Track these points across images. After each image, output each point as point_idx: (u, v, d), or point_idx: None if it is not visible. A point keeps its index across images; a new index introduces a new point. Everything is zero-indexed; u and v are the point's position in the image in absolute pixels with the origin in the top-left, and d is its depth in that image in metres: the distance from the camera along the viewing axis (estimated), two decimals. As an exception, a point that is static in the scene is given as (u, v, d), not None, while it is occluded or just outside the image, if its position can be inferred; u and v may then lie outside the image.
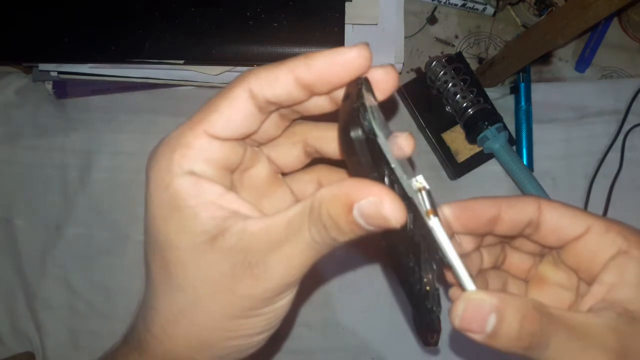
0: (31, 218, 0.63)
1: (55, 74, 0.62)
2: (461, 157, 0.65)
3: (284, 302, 0.25)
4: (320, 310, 0.62)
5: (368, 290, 0.62)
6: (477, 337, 0.24)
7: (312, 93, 0.25)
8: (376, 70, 0.26)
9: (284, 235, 0.23)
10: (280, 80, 0.24)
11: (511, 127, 0.66)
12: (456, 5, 0.70)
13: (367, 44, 0.24)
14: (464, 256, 0.30)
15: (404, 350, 0.61)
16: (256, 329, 0.25)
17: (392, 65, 0.26)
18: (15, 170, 0.64)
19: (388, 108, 0.68)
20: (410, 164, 0.27)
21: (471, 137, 0.63)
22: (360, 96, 0.24)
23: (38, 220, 0.63)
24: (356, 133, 0.22)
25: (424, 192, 0.26)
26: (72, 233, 0.62)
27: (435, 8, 0.70)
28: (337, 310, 0.62)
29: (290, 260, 0.23)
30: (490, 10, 0.69)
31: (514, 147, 0.65)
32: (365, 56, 0.24)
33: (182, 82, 0.64)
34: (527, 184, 0.62)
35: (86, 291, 0.61)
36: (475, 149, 0.65)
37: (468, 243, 0.32)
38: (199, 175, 0.24)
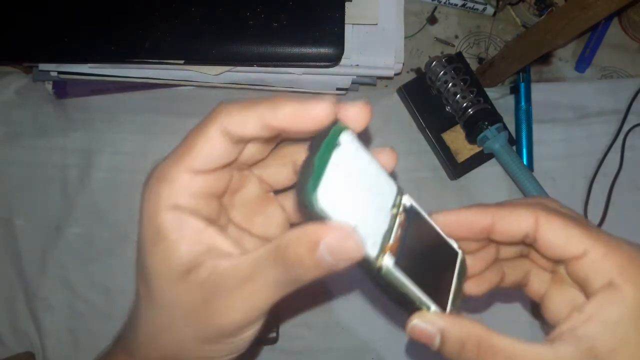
0: (31, 218, 0.63)
1: (55, 74, 0.62)
2: (461, 157, 0.65)
3: (249, 334, 0.27)
4: (320, 310, 0.62)
5: (368, 291, 0.62)
6: (429, 346, 0.28)
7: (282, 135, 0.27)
8: (349, 109, 0.26)
9: (250, 275, 0.24)
10: (249, 124, 0.25)
11: (511, 127, 0.66)
12: (456, 5, 0.70)
13: (334, 100, 0.25)
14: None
15: (404, 350, 0.61)
16: (223, 352, 0.27)
17: (366, 103, 0.26)
18: (15, 170, 0.64)
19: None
20: (393, 178, 0.28)
21: (471, 137, 0.63)
22: (313, 153, 0.24)
23: (38, 220, 0.63)
24: (302, 200, 0.23)
25: (396, 222, 0.26)
26: (72, 233, 0.62)
27: (435, 8, 0.70)
28: (337, 311, 0.62)
29: (253, 299, 0.25)
30: (490, 10, 0.69)
31: (514, 147, 0.65)
32: (329, 114, 0.24)
33: (182, 82, 0.64)
34: (527, 184, 0.62)
35: (86, 291, 0.61)
36: (475, 149, 0.65)
37: (468, 245, 0.32)
38: (183, 208, 0.26)
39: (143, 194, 0.26)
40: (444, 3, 0.69)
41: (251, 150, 0.28)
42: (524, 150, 0.65)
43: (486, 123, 0.61)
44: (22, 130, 0.64)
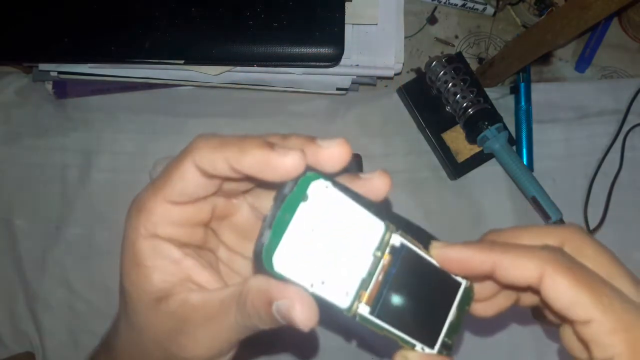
0: (31, 218, 0.63)
1: (55, 74, 0.62)
2: (461, 157, 0.65)
3: None
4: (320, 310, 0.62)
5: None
6: None
7: None
8: (322, 152, 0.24)
9: (216, 313, 0.25)
10: (218, 165, 0.24)
11: (511, 127, 0.66)
12: (456, 5, 0.70)
13: (300, 153, 0.23)
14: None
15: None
16: None
17: (342, 142, 0.24)
18: (15, 170, 0.64)
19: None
20: (386, 207, 0.27)
21: (471, 137, 0.63)
22: (275, 211, 0.23)
23: (38, 220, 0.63)
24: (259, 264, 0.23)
25: (379, 266, 0.26)
26: (72, 233, 0.62)
27: (435, 8, 0.70)
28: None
29: (217, 337, 0.26)
30: (490, 10, 0.69)
31: (514, 147, 0.65)
32: (296, 166, 0.23)
33: (182, 82, 0.64)
34: (527, 184, 0.62)
35: (86, 291, 0.61)
36: (475, 149, 0.65)
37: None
38: (161, 238, 0.26)
39: (125, 219, 0.27)
40: (444, 3, 0.69)
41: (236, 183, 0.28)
42: (524, 150, 0.65)
43: (486, 123, 0.61)
44: (22, 130, 0.64)
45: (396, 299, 0.26)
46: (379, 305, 0.26)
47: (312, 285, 0.24)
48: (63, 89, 0.64)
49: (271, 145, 0.23)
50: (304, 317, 0.23)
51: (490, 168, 0.65)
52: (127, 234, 0.26)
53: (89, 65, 0.61)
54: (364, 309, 0.25)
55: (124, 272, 0.27)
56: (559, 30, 0.53)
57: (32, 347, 0.60)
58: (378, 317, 0.26)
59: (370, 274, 0.25)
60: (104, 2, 0.59)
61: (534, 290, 0.27)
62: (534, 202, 0.62)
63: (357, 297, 0.25)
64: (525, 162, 0.64)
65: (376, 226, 0.26)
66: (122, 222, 0.66)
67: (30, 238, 0.62)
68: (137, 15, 0.58)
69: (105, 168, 0.64)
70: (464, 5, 0.69)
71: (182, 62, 0.59)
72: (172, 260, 0.26)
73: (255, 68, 0.61)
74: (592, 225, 0.64)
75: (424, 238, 0.28)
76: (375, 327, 0.26)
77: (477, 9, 0.69)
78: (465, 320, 0.29)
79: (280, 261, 0.23)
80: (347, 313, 0.25)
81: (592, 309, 0.25)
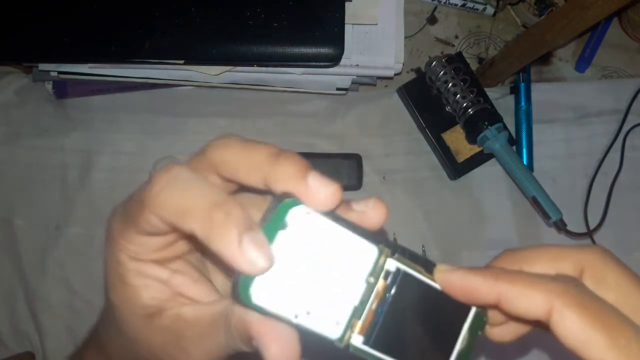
0: (31, 218, 0.63)
1: (55, 74, 0.62)
2: (461, 157, 0.65)
3: None
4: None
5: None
6: None
7: None
8: (310, 191, 0.22)
9: (208, 330, 0.24)
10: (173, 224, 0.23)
11: (511, 127, 0.66)
12: (456, 5, 0.69)
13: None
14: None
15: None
16: None
17: (335, 188, 0.22)
18: (15, 170, 0.64)
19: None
20: (382, 236, 0.24)
21: (471, 137, 0.63)
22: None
23: (38, 220, 0.63)
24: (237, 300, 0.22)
25: (373, 293, 0.24)
26: (72, 233, 0.62)
27: (435, 8, 0.70)
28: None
29: (210, 352, 0.25)
30: (490, 10, 0.69)
31: (514, 147, 0.65)
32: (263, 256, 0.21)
33: (182, 82, 0.64)
34: (527, 184, 0.62)
35: (86, 291, 0.61)
36: (475, 149, 0.65)
37: None
38: (145, 261, 0.25)
39: (106, 235, 0.25)
40: (444, 3, 0.69)
41: None
42: (524, 150, 0.65)
43: (486, 123, 0.61)
44: (22, 130, 0.64)
45: (394, 327, 0.24)
46: (374, 334, 0.24)
47: (296, 317, 0.22)
48: (63, 89, 0.64)
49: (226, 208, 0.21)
50: (278, 357, 0.22)
51: (490, 168, 0.65)
52: (110, 254, 0.25)
53: (89, 65, 0.61)
54: (357, 339, 0.24)
55: (110, 287, 0.26)
56: (559, 30, 0.53)
57: (32, 347, 0.60)
58: (374, 347, 0.24)
59: (363, 302, 0.24)
60: (103, 2, 0.59)
61: (543, 325, 0.24)
62: (534, 202, 0.62)
63: (349, 326, 0.23)
64: (525, 162, 0.64)
65: (368, 251, 0.24)
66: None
67: (30, 238, 0.62)
68: (137, 15, 0.58)
69: (105, 168, 0.64)
70: (464, 5, 0.69)
71: (182, 62, 0.59)
72: (159, 280, 0.25)
73: (255, 68, 0.61)
74: (592, 226, 0.64)
75: (422, 263, 0.25)
76: (372, 359, 0.24)
77: (477, 9, 0.69)
78: (478, 345, 0.26)
79: (259, 294, 0.22)
80: (339, 344, 0.23)
81: (606, 351, 0.22)
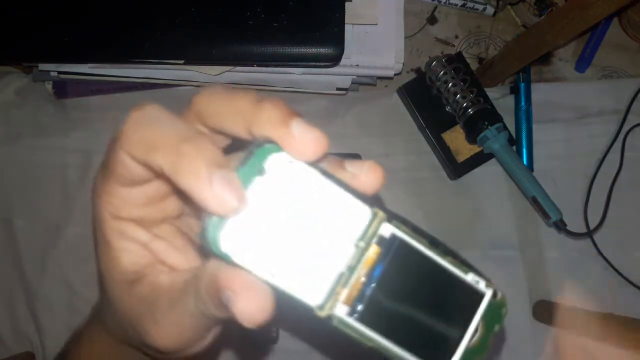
0: (31, 218, 0.63)
1: (55, 74, 0.62)
2: (461, 157, 0.65)
3: (189, 353, 0.25)
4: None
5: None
6: None
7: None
8: (293, 136, 0.20)
9: (178, 297, 0.22)
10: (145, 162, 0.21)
11: (511, 127, 0.66)
12: (456, 5, 0.69)
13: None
14: None
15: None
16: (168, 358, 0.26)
17: (318, 136, 0.20)
18: (15, 170, 0.64)
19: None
20: (379, 202, 0.22)
21: (471, 137, 0.63)
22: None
23: (38, 220, 0.63)
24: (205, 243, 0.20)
25: (362, 259, 0.21)
26: (72, 233, 0.62)
27: (435, 8, 0.70)
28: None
29: (180, 324, 0.23)
30: (490, 10, 0.69)
31: (514, 147, 0.65)
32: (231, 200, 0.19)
33: (182, 82, 0.64)
34: (527, 184, 0.62)
35: (86, 291, 0.61)
36: (475, 149, 0.65)
37: None
38: (126, 219, 0.24)
39: (92, 197, 0.24)
40: (444, 3, 0.69)
41: None
42: (524, 150, 0.65)
43: (486, 123, 0.61)
44: (22, 130, 0.64)
45: (386, 302, 0.21)
46: (361, 306, 0.20)
47: (273, 275, 0.20)
48: (63, 89, 0.64)
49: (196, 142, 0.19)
50: (247, 311, 0.19)
51: (490, 168, 0.65)
52: (95, 213, 0.24)
53: (89, 65, 0.61)
54: (341, 310, 0.20)
55: (97, 253, 0.25)
56: (559, 30, 0.53)
57: (32, 347, 0.60)
58: (360, 320, 0.20)
59: (351, 268, 0.20)
60: (103, 2, 0.59)
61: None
62: (534, 202, 0.62)
63: (333, 294, 0.20)
64: (525, 162, 0.64)
65: (360, 211, 0.21)
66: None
67: (30, 238, 0.62)
68: (137, 15, 0.58)
69: (105, 168, 0.63)
70: (464, 5, 0.69)
71: (182, 62, 0.59)
72: (139, 243, 0.24)
73: (255, 68, 0.61)
74: (592, 226, 0.64)
75: (428, 237, 0.22)
76: (358, 335, 0.20)
77: (477, 9, 0.69)
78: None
79: (229, 241, 0.19)
80: (319, 312, 0.20)
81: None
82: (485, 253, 0.64)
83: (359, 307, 0.20)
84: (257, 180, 0.20)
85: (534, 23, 0.66)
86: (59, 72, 0.62)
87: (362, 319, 0.20)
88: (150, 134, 0.20)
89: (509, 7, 0.70)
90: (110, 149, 0.22)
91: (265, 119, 0.20)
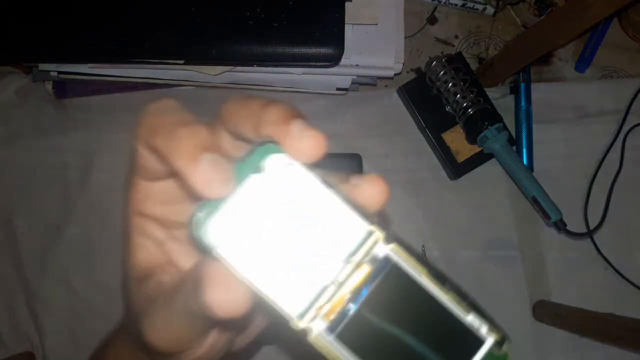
0: (31, 218, 0.63)
1: (55, 73, 0.62)
2: (461, 157, 0.65)
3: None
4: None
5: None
6: None
7: None
8: (292, 138, 0.20)
9: (172, 295, 0.22)
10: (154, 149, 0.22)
11: (511, 127, 0.66)
12: (456, 5, 0.69)
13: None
14: None
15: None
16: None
17: (316, 136, 0.20)
18: (15, 171, 0.64)
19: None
20: (384, 220, 0.21)
21: (471, 137, 0.63)
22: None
23: (38, 221, 0.63)
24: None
25: (350, 276, 0.19)
26: (72, 233, 0.62)
27: (435, 8, 0.70)
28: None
29: (171, 323, 0.22)
30: (490, 10, 0.69)
31: (514, 147, 0.65)
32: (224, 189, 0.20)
33: (182, 82, 0.64)
34: (527, 184, 0.62)
35: (86, 291, 0.61)
36: (475, 149, 0.65)
37: None
38: (148, 216, 0.24)
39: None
40: (444, 3, 0.69)
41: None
42: (524, 151, 0.65)
43: (486, 123, 0.61)
44: (22, 131, 0.64)
45: (370, 327, 0.19)
46: (342, 324, 0.19)
47: (253, 275, 0.19)
48: (63, 89, 0.64)
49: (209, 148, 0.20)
50: (216, 301, 0.19)
51: (490, 168, 0.65)
52: (124, 209, 0.25)
53: (89, 65, 0.61)
54: (319, 325, 0.19)
55: (122, 246, 0.25)
56: (559, 31, 0.53)
57: (32, 347, 0.60)
58: (340, 340, 0.19)
59: (337, 283, 0.19)
60: (104, 2, 0.59)
61: None
62: (534, 202, 0.62)
63: (313, 306, 0.19)
64: (525, 162, 0.64)
65: (356, 227, 0.20)
66: (122, 222, 0.66)
67: (31, 238, 0.62)
68: (137, 15, 0.58)
69: (105, 168, 0.63)
70: (464, 5, 0.69)
71: (182, 62, 0.59)
72: (155, 241, 0.24)
73: (255, 68, 0.61)
74: (592, 225, 0.64)
75: (428, 266, 0.20)
76: (333, 355, 0.19)
77: (477, 9, 0.69)
78: None
79: (214, 233, 0.19)
80: (297, 323, 0.19)
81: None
82: (485, 253, 0.64)
83: (340, 326, 0.19)
84: (253, 177, 0.20)
85: (534, 23, 0.66)
86: (59, 72, 0.62)
87: (341, 338, 0.19)
88: (156, 121, 0.21)
89: (509, 7, 0.70)
90: (132, 143, 0.23)
91: (269, 118, 0.20)
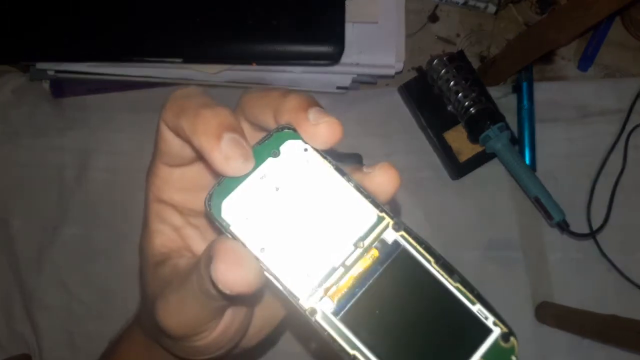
0: (28, 218, 0.62)
1: (52, 72, 0.62)
2: (463, 157, 0.64)
3: (198, 344, 0.24)
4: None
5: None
6: None
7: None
8: (310, 124, 0.21)
9: (186, 277, 0.22)
10: (179, 130, 0.22)
11: (513, 126, 0.65)
12: (458, 3, 0.69)
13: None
14: None
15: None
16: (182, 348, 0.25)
17: (334, 123, 0.21)
18: (12, 170, 0.63)
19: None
20: (394, 207, 0.21)
21: (473, 136, 0.63)
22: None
23: (35, 221, 0.62)
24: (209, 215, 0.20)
25: (357, 260, 0.20)
26: (68, 233, 0.62)
27: (437, 6, 0.70)
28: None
29: (184, 305, 0.22)
30: (492, 8, 0.69)
31: (517, 147, 0.64)
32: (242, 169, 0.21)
33: (181, 81, 0.63)
34: (530, 184, 0.61)
35: (82, 292, 0.61)
36: (477, 148, 0.64)
37: None
38: (166, 202, 0.25)
39: (145, 178, 0.26)
40: (446, 1, 0.69)
41: None
42: (527, 150, 0.65)
43: (488, 122, 0.61)
44: (19, 130, 0.64)
45: (375, 309, 0.20)
46: (348, 306, 0.20)
47: (262, 250, 0.20)
48: (60, 87, 0.64)
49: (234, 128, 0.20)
50: (225, 276, 0.19)
51: (493, 168, 0.65)
52: (145, 195, 0.26)
53: (87, 63, 0.60)
54: (326, 305, 0.19)
55: (141, 232, 0.26)
56: (561, 29, 0.53)
57: (29, 348, 0.60)
58: (343, 321, 0.19)
59: (345, 266, 0.20)
60: (101, 0, 0.58)
61: None
62: (537, 202, 0.61)
63: (321, 286, 0.20)
64: (527, 162, 0.64)
65: (367, 212, 0.21)
66: (119, 222, 0.66)
67: (27, 238, 0.62)
68: (135, 13, 0.58)
69: (102, 168, 0.63)
70: (465, 3, 0.69)
71: (180, 60, 0.58)
72: (172, 227, 0.25)
73: (255, 67, 0.61)
74: (595, 226, 0.64)
75: (436, 255, 0.21)
76: (338, 336, 0.19)
77: (479, 7, 0.69)
78: None
79: (230, 210, 0.20)
80: (303, 304, 0.20)
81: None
82: (487, 254, 0.64)
83: (346, 307, 0.20)
84: (270, 161, 0.21)
85: (536, 21, 0.66)
86: (56, 71, 0.61)
87: (345, 319, 0.20)
88: (181, 104, 0.22)
89: (510, 5, 0.70)
90: (157, 128, 0.24)
91: (288, 106, 0.21)
